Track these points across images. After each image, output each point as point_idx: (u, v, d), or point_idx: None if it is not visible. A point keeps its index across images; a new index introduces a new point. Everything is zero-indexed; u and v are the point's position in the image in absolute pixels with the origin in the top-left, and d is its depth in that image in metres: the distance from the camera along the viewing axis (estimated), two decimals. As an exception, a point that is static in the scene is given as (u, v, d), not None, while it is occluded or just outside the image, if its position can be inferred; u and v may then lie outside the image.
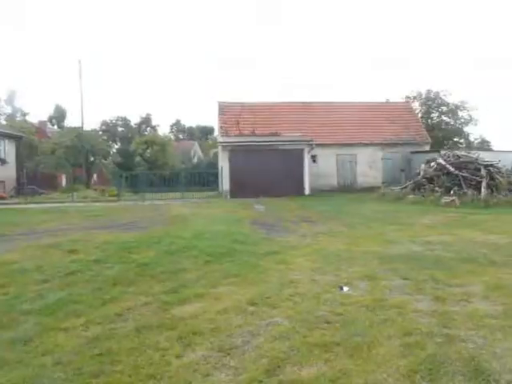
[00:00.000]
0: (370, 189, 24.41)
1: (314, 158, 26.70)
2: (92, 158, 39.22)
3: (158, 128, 60.91)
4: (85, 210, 17.42)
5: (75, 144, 34.73)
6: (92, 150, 37.82)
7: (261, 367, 3.38)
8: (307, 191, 24.06)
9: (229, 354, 3.63)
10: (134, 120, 59.30)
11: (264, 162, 23.04)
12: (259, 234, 10.37)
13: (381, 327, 4.12)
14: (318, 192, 24.62)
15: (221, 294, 5.28)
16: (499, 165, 20.59)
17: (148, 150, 42.08)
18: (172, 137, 68.76)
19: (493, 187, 18.61)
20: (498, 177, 19.31)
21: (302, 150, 24.28)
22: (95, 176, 41.27)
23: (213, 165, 34.30)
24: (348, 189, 26.78)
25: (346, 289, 5.41)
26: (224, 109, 28.87)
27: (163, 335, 4.00)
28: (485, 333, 3.96)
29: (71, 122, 52.59)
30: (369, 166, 28.14)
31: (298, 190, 23.35)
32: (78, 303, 4.94)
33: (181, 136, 75.70)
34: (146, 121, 60.41)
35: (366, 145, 28.09)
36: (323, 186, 26.50)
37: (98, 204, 21.41)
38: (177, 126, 76.88)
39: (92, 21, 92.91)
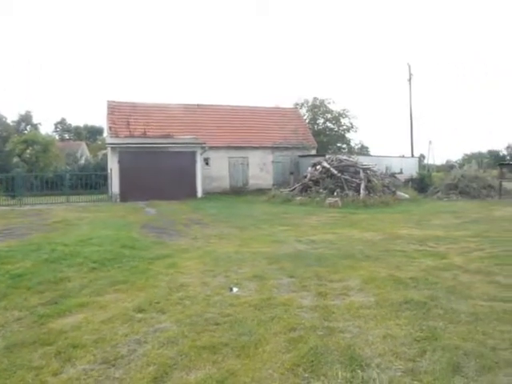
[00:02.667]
0: (261, 191, 25.14)
1: (206, 161, 26.74)
2: (-43, 159, 34.76)
3: (39, 126, 56.04)
4: None
5: None
6: (-42, 150, 33.51)
7: (147, 376, 3.29)
8: (200, 194, 24.01)
9: (113, 366, 3.47)
10: (12, 117, 53.99)
11: (156, 165, 22.46)
12: (150, 238, 10.09)
13: (268, 325, 4.26)
14: (210, 194, 24.72)
15: (106, 303, 5.03)
16: (375, 168, 22.63)
17: (28, 151, 38.40)
18: (56, 136, 63.79)
19: (370, 189, 20.37)
20: (374, 179, 21.20)
21: (195, 152, 24.17)
22: (-38, 179, 36.63)
23: (102, 167, 32.56)
24: (240, 191, 27.27)
25: (235, 290, 5.50)
26: (114, 108, 27.55)
27: (38, 352, 3.69)
28: (360, 323, 4.31)
29: None
30: (260, 169, 28.98)
31: (191, 193, 23.19)
32: None
33: (66, 136, 70.55)
34: (26, 118, 55.25)
35: (258, 148, 28.88)
36: (216, 188, 26.69)
37: (-36, 210, 19.03)
38: (62, 125, 71.50)
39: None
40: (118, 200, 22.01)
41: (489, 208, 17.04)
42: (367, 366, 3.39)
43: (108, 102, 27.98)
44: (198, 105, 30.27)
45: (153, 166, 22.43)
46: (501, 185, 23.22)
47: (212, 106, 30.77)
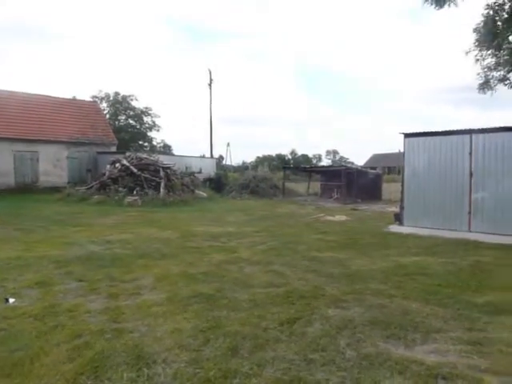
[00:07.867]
0: (55, 189, 22.99)
1: (-16, 154, 23.10)
2: None
3: None
4: None
5: None
6: None
7: None
8: (-24, 192, 20.61)
9: None
10: None
11: None
12: None
13: (49, 335, 3.94)
14: (-10, 192, 21.44)
15: None
16: (175, 167, 23.07)
17: None
18: None
19: (170, 187, 20.70)
20: (174, 178, 21.61)
21: (-31, 143, 20.64)
22: None
23: None
24: (29, 188, 24.35)
25: (12, 300, 4.91)
26: None
27: None
28: (150, 321, 4.35)
29: None
30: (53, 165, 26.42)
31: (-37, 191, 19.71)
32: None
33: None
34: None
35: (50, 142, 26.22)
36: (-2, 185, 23.29)
37: None
38: None
39: None
40: None
41: (274, 206, 19.23)
42: (154, 363, 3.45)
43: None
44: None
45: None
46: (283, 185, 26.45)
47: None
